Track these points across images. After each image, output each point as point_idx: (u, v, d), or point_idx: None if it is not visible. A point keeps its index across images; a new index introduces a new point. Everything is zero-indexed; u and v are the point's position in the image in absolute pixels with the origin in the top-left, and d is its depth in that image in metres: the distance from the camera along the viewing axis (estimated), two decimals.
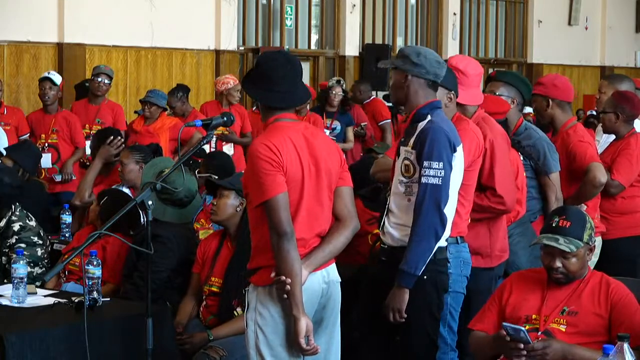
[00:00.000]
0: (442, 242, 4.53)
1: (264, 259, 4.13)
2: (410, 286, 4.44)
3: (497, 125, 5.26)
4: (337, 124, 10.91)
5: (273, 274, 4.05)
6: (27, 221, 6.12)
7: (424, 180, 4.42)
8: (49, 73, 9.46)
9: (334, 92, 11.04)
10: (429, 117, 4.52)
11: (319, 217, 4.18)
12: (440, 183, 4.42)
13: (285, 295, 4.04)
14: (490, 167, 5.03)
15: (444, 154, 4.43)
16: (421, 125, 4.52)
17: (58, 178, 8.90)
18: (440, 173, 4.42)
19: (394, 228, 4.58)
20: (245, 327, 4.19)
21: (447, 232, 4.56)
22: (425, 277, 4.47)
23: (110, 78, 9.78)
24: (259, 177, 4.04)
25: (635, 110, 6.38)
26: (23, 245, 6.02)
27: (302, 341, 4.05)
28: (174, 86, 10.74)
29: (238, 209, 5.30)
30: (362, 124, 11.11)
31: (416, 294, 4.47)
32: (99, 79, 9.62)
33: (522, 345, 4.01)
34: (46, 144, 9.05)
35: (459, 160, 4.53)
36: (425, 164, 4.43)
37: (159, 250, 5.38)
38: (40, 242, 6.11)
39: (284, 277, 4.01)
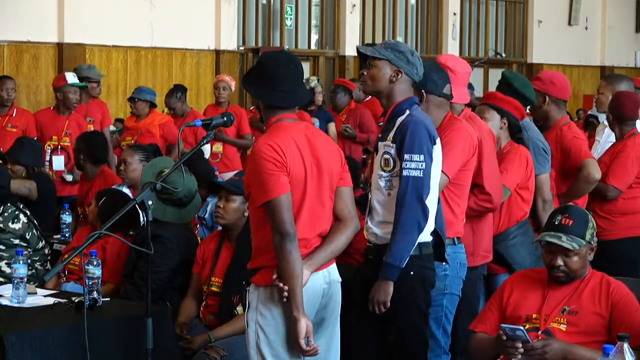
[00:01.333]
0: (427, 237, 4.54)
1: (265, 259, 4.12)
2: (395, 278, 4.45)
3: (483, 124, 5.29)
4: (315, 121, 10.95)
5: (275, 276, 4.05)
6: (11, 224, 6.14)
7: (405, 173, 4.44)
8: (74, 77, 9.25)
9: (316, 91, 11.15)
10: (407, 112, 4.55)
11: (320, 217, 4.18)
12: (422, 175, 4.44)
13: (285, 299, 4.04)
14: (478, 164, 5.05)
15: (424, 147, 4.45)
16: (400, 119, 4.54)
17: (69, 178, 8.70)
18: (422, 165, 4.44)
19: (377, 226, 4.58)
20: (246, 326, 4.18)
21: (431, 225, 4.56)
22: (412, 272, 4.49)
23: (98, 81, 9.79)
24: (262, 177, 4.03)
25: (628, 112, 6.36)
26: (2, 247, 6.04)
27: (302, 342, 4.05)
28: (172, 87, 10.74)
29: (245, 213, 5.28)
30: (345, 125, 11.09)
31: (404, 290, 4.49)
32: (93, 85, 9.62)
33: (519, 344, 4.01)
34: (59, 146, 8.84)
35: (437, 152, 4.55)
36: (407, 156, 4.44)
37: (159, 250, 5.37)
38: (24, 244, 6.11)
39: (283, 284, 4.01)
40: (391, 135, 4.54)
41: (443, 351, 4.84)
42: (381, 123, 11.37)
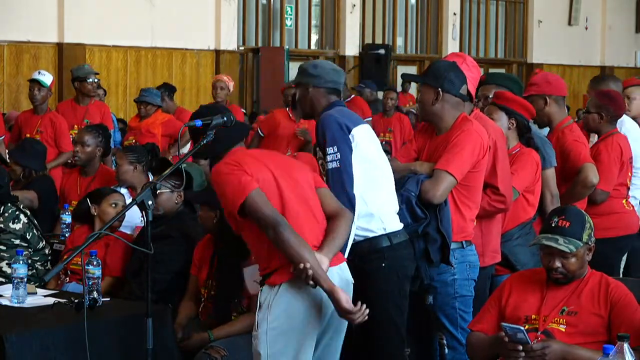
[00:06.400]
0: (396, 226, 4.59)
1: (276, 261, 4.15)
2: None
3: (494, 125, 5.28)
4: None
5: (292, 269, 4.06)
6: (12, 224, 6.14)
7: (327, 167, 4.56)
8: (39, 73, 9.35)
9: None
10: None
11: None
12: (338, 166, 4.54)
13: (312, 282, 4.05)
14: (493, 165, 5.06)
15: (335, 137, 4.55)
16: None
17: None
18: (337, 157, 4.54)
19: None
20: (256, 327, 4.19)
21: (390, 214, 4.60)
22: (383, 264, 4.55)
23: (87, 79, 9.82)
24: (226, 185, 4.13)
25: (619, 110, 6.35)
26: (3, 247, 6.05)
27: (348, 305, 4.05)
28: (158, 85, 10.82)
29: (215, 220, 5.29)
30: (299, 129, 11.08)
31: (378, 283, 4.53)
32: (90, 79, 9.56)
33: (520, 347, 4.01)
34: None
35: (361, 137, 4.60)
36: (326, 152, 4.57)
37: (169, 251, 5.40)
38: (24, 244, 6.12)
39: (302, 265, 4.02)
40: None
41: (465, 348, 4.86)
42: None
